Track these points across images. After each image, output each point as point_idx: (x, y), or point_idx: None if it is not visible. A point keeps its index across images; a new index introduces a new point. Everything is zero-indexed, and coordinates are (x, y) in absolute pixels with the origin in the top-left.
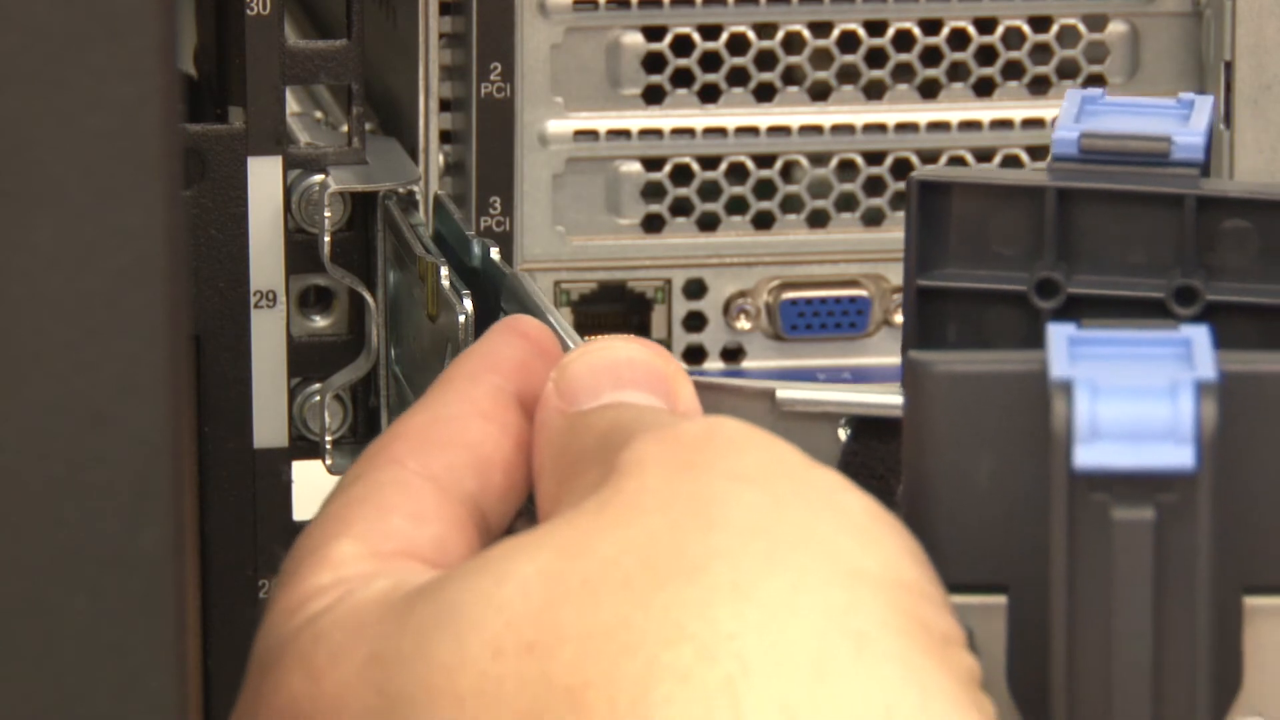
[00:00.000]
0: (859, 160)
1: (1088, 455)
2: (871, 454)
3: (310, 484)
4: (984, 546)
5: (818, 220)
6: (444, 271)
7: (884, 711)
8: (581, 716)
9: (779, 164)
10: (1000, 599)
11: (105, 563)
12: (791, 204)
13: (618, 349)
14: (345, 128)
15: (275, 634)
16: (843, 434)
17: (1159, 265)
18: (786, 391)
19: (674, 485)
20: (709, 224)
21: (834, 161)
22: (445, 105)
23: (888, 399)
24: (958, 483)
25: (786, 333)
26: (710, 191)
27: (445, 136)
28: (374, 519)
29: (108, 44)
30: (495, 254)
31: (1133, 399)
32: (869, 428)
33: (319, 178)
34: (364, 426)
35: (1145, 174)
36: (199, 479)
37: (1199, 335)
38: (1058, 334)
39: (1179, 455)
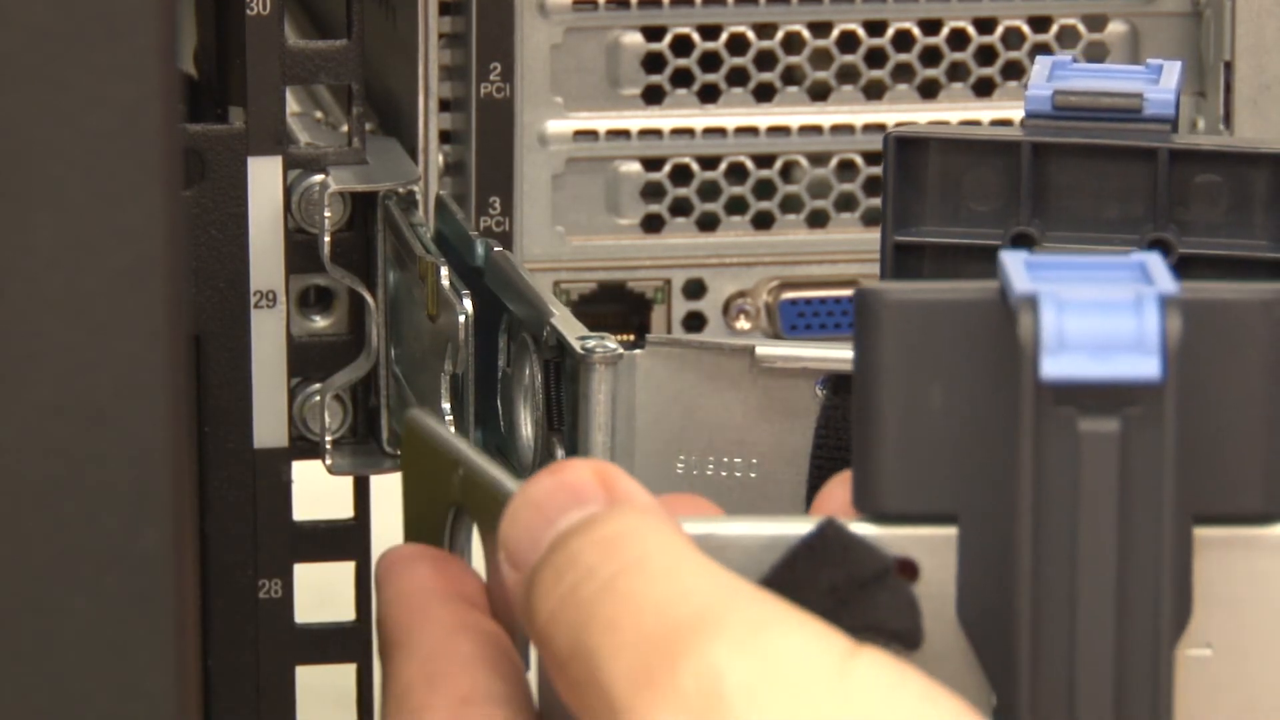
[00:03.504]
0: (859, 160)
1: (1055, 366)
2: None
3: (310, 484)
4: (935, 476)
5: (817, 220)
6: (444, 271)
7: None
8: None
9: (779, 164)
10: (950, 530)
11: (105, 563)
12: (791, 204)
13: (536, 488)
14: (345, 128)
15: None
16: (819, 392)
17: (1132, 219)
18: (766, 348)
19: None
20: (709, 224)
21: (834, 161)
22: (445, 105)
23: None
24: (908, 412)
25: (786, 333)
26: (710, 191)
27: (445, 136)
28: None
29: (108, 44)
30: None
31: (1098, 312)
32: (848, 380)
33: (319, 178)
34: (364, 427)
35: (1118, 129)
36: (199, 479)
37: (1153, 259)
38: (1013, 258)
39: (1145, 365)
